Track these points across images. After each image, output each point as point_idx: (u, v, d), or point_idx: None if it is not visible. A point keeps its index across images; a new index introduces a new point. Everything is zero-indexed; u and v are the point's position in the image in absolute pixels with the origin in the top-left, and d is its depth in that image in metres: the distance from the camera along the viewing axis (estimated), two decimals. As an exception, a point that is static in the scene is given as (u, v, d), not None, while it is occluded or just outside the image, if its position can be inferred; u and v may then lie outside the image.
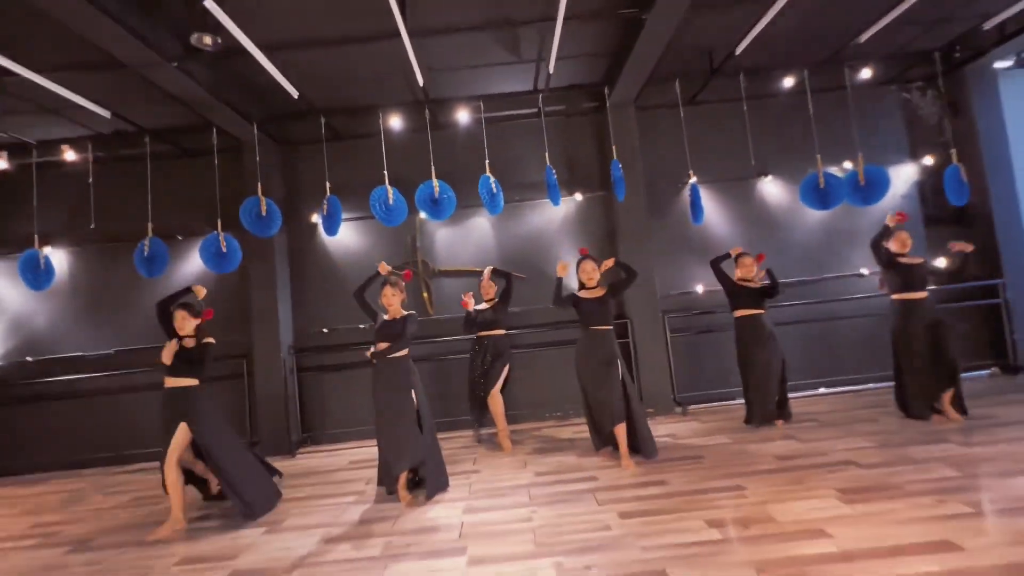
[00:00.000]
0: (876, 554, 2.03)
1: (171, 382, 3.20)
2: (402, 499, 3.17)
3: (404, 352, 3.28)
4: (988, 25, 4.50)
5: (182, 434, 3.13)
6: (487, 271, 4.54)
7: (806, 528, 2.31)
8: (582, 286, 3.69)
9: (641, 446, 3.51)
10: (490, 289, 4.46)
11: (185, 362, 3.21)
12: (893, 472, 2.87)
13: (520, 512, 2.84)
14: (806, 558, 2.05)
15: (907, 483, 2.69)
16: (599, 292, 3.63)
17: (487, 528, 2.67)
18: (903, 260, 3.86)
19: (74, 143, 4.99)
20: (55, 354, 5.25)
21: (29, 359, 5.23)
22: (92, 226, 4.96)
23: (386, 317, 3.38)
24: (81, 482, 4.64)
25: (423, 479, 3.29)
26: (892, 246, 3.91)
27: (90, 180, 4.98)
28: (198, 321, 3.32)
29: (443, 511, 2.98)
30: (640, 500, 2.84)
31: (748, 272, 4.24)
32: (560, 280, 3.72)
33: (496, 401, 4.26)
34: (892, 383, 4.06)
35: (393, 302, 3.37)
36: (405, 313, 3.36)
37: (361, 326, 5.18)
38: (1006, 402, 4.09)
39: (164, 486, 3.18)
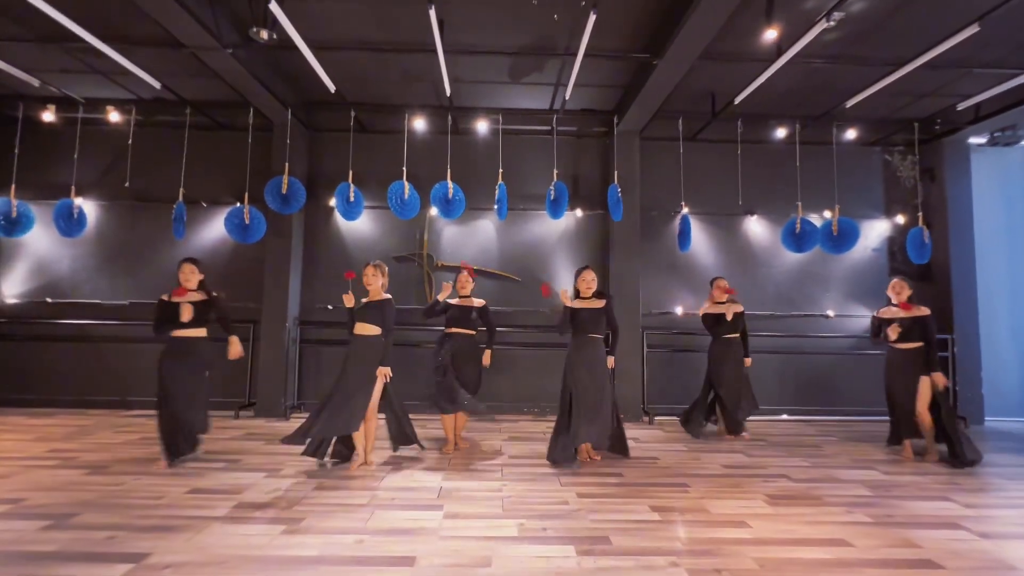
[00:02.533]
0: (783, 542, 2.46)
1: (181, 333, 3.53)
2: (353, 467, 3.46)
3: (378, 331, 3.51)
4: (962, 106, 4.99)
5: (201, 385, 3.53)
6: (465, 266, 4.33)
7: (731, 520, 2.73)
8: (577, 295, 3.83)
9: (619, 445, 3.84)
10: (467, 284, 4.19)
11: (199, 314, 3.55)
12: (817, 486, 3.30)
13: (492, 484, 3.25)
14: (725, 540, 2.47)
15: (826, 495, 3.13)
16: (597, 303, 3.76)
17: (462, 494, 3.07)
18: (886, 315, 4.11)
19: (118, 105, 5.34)
20: (73, 299, 5.59)
21: (48, 300, 5.56)
22: (127, 184, 5.31)
23: (365, 300, 3.57)
24: (87, 420, 4.98)
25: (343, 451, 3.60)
26: (889, 293, 4.15)
27: (129, 141, 5.33)
28: (203, 277, 3.65)
29: (423, 477, 3.38)
30: (597, 486, 3.25)
31: (721, 295, 4.66)
32: (566, 309, 3.75)
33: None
34: (848, 418, 4.46)
35: (373, 283, 3.53)
36: (383, 297, 3.55)
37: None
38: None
39: (160, 430, 3.48)
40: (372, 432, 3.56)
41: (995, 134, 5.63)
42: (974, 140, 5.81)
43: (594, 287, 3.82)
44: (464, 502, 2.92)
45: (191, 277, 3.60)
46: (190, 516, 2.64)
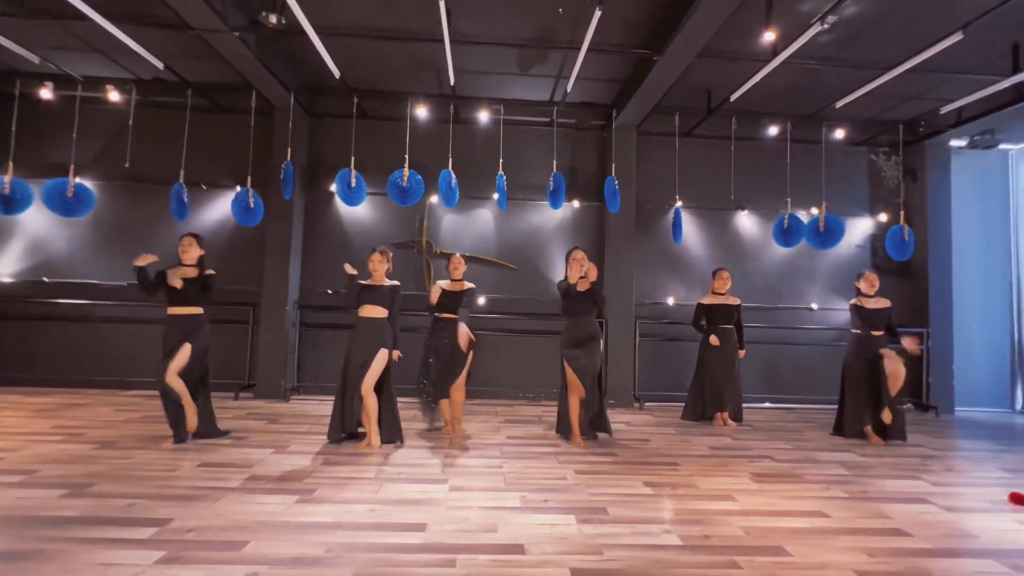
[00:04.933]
0: (766, 513, 2.65)
1: (176, 310, 3.55)
2: (359, 447, 3.53)
3: (384, 314, 3.64)
4: (944, 109, 5.21)
5: (185, 353, 3.48)
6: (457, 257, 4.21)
7: (719, 494, 2.92)
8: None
9: (602, 423, 4.02)
10: (460, 266, 4.11)
11: (192, 290, 3.56)
12: (798, 466, 3.52)
13: (493, 461, 3.40)
14: (714, 511, 2.66)
15: (806, 474, 3.34)
16: (584, 285, 3.87)
17: (464, 469, 3.22)
18: (868, 305, 4.30)
19: (118, 84, 5.31)
20: (70, 278, 5.58)
21: (45, 279, 5.55)
22: (127, 164, 5.30)
23: (368, 282, 3.65)
24: (86, 399, 5.02)
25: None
26: (861, 285, 4.37)
27: (130, 121, 5.31)
28: (202, 252, 3.65)
29: (425, 455, 3.52)
30: (593, 464, 3.42)
31: (723, 286, 4.83)
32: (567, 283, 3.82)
33: (460, 392, 4.11)
34: (827, 406, 4.68)
35: (379, 268, 3.66)
36: (392, 283, 3.68)
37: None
38: (911, 431, 4.81)
39: (166, 409, 3.52)
40: (373, 409, 3.58)
41: (975, 137, 5.88)
42: (955, 143, 6.05)
43: (586, 265, 3.79)
44: (467, 476, 3.07)
45: (189, 250, 3.59)
46: (205, 487, 2.74)
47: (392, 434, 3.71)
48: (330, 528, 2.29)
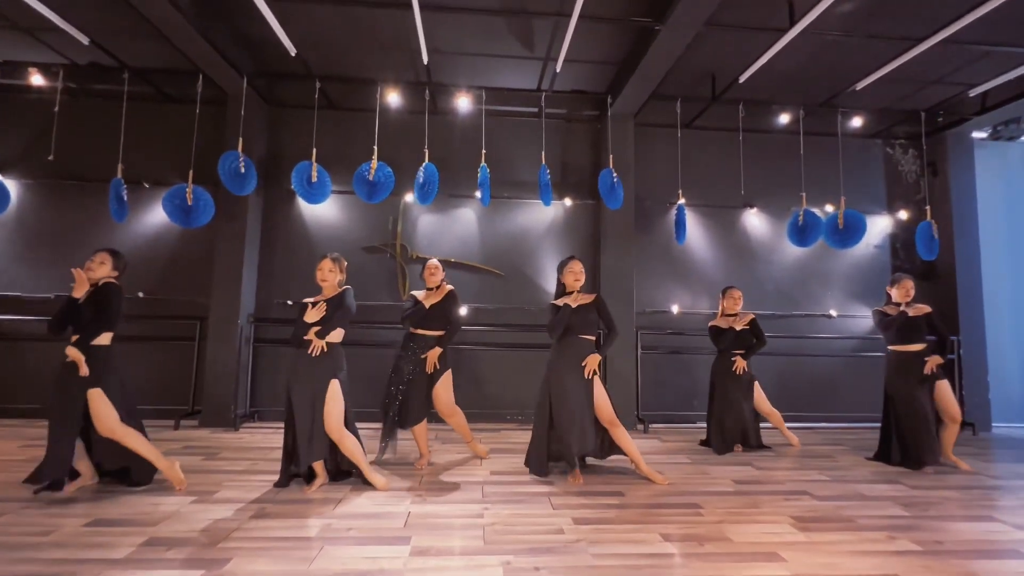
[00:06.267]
0: (828, 581, 2.00)
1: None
2: (306, 491, 2.90)
3: (336, 338, 2.98)
4: (974, 92, 4.72)
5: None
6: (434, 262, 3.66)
7: (760, 551, 2.26)
8: (562, 293, 3.35)
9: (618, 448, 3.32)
10: (437, 272, 3.58)
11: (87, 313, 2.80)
12: (844, 505, 2.87)
13: (471, 508, 2.71)
14: (759, 579, 2.00)
15: (857, 517, 2.70)
16: (585, 299, 3.28)
17: (434, 521, 2.53)
18: (905, 313, 3.70)
19: (44, 69, 4.66)
20: (-13, 291, 4.84)
21: (-44, 292, 4.80)
22: (50, 158, 4.60)
23: (314, 299, 3.03)
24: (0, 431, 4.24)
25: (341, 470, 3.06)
26: (893, 292, 3.78)
27: (55, 109, 4.64)
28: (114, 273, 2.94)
29: (388, 499, 2.82)
30: (596, 508, 2.75)
31: (733, 306, 4.22)
32: (562, 307, 3.27)
33: (457, 414, 3.58)
34: (853, 424, 4.07)
35: (329, 278, 3.01)
36: (341, 289, 3.03)
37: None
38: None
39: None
40: (356, 450, 2.93)
41: (998, 127, 5.43)
42: (976, 134, 5.59)
43: (582, 280, 3.31)
44: (437, 533, 2.38)
45: (98, 270, 2.88)
46: (76, 559, 2.03)
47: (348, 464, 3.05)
48: (226, 631, 1.59)
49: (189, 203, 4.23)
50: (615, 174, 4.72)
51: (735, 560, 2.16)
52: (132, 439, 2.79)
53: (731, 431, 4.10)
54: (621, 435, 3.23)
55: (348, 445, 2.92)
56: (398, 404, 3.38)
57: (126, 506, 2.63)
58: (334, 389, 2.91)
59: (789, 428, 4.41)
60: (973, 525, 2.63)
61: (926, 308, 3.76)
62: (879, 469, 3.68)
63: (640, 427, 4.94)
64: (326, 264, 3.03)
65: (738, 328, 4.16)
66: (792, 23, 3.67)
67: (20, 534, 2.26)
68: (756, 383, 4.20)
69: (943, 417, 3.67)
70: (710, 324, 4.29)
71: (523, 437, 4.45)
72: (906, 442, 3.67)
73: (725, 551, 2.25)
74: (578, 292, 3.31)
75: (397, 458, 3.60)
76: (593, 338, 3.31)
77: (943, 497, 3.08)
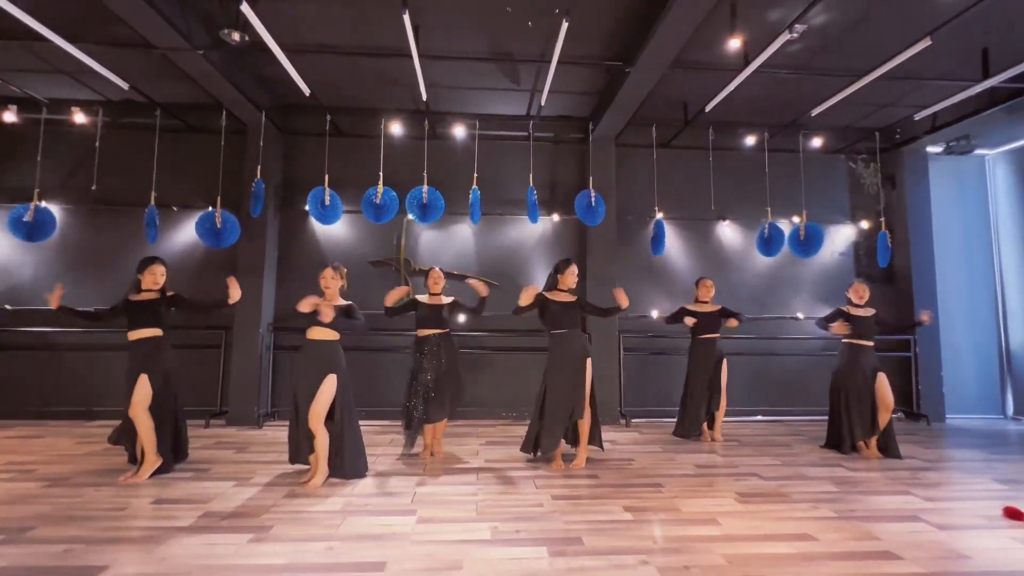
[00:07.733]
0: (750, 538, 2.51)
1: (136, 334, 3.40)
2: (302, 483, 3.25)
3: (335, 336, 3.38)
4: (919, 116, 5.22)
5: (146, 384, 3.31)
6: (436, 271, 4.13)
7: (702, 518, 2.77)
8: (552, 287, 3.75)
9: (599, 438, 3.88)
10: (440, 280, 4.06)
11: (149, 313, 3.42)
12: (786, 484, 3.38)
13: (467, 488, 3.24)
14: (695, 537, 2.51)
15: (793, 492, 3.20)
16: (569, 298, 3.75)
17: (436, 498, 3.05)
18: (856, 312, 4.25)
19: (84, 106, 5.20)
20: (33, 306, 5.38)
21: (8, 307, 5.35)
22: (94, 187, 5.16)
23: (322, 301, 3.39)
24: (48, 431, 4.79)
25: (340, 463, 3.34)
26: (850, 295, 4.30)
27: (96, 144, 5.19)
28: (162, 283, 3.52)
29: (397, 483, 3.34)
30: (572, 488, 3.27)
31: (707, 294, 4.74)
32: (537, 295, 3.74)
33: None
34: (816, 418, 4.57)
35: (331, 285, 3.40)
36: (344, 303, 3.42)
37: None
38: (902, 442, 4.69)
39: (116, 434, 3.41)
40: (322, 445, 3.25)
41: (950, 143, 5.89)
42: (931, 149, 6.07)
43: (574, 284, 3.79)
44: (437, 506, 2.90)
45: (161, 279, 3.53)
46: (152, 527, 2.56)
47: (355, 470, 3.37)
48: (280, 570, 2.12)
49: (218, 226, 4.76)
50: (593, 193, 5.23)
51: (680, 525, 2.68)
52: (144, 426, 3.31)
53: (696, 413, 4.65)
54: (583, 421, 3.74)
55: (319, 439, 3.23)
56: (424, 402, 3.84)
57: (180, 490, 3.16)
58: (328, 384, 3.30)
59: (759, 421, 4.94)
60: (889, 498, 3.13)
61: (872, 310, 4.29)
62: (828, 455, 4.18)
63: (623, 421, 5.45)
64: (328, 272, 3.48)
65: (707, 312, 4.72)
66: (747, 63, 4.17)
67: (101, 509, 2.79)
68: (725, 361, 4.72)
69: (879, 404, 4.16)
70: (682, 306, 4.81)
71: (516, 432, 4.98)
72: (852, 425, 4.17)
73: (674, 518, 2.76)
74: (567, 291, 3.80)
75: (404, 449, 4.12)
76: (578, 329, 3.81)
77: (874, 477, 3.58)
